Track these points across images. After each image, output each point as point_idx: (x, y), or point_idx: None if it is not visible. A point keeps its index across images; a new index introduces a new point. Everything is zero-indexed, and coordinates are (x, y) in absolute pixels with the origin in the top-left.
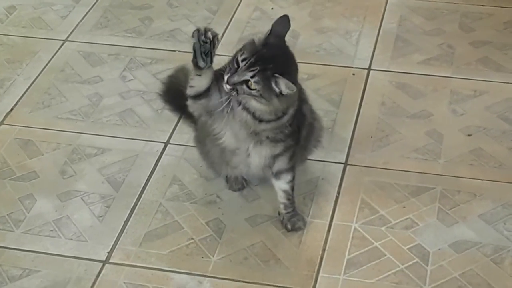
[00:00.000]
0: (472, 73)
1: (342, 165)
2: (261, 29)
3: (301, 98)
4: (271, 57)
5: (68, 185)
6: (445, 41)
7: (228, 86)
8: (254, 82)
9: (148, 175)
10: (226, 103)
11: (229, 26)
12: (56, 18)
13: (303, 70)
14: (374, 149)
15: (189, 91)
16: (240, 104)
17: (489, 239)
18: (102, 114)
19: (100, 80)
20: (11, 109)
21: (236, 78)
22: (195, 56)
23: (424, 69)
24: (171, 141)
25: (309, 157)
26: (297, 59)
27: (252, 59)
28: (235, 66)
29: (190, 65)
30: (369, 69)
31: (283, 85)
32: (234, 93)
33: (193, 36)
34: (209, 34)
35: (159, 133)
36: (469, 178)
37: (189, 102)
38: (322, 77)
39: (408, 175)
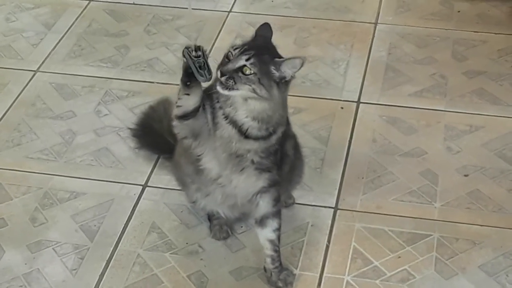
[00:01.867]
0: (466, 106)
1: (332, 210)
2: None
3: (286, 133)
4: (264, 45)
5: (39, 233)
6: (438, 70)
7: (223, 78)
8: (250, 64)
9: (124, 222)
10: (211, 120)
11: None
12: (27, 46)
13: (288, 103)
14: (365, 192)
15: (177, 111)
16: (227, 118)
17: None
18: (76, 154)
19: (73, 115)
20: None
21: (230, 65)
22: (185, 75)
23: (416, 101)
24: (149, 184)
25: (298, 201)
26: None
27: (246, 47)
28: (226, 60)
29: (167, 99)
30: (358, 102)
31: (286, 66)
32: (230, 82)
33: (184, 55)
34: (200, 49)
35: (136, 175)
36: (467, 224)
37: (175, 123)
38: (309, 111)
39: (403, 221)
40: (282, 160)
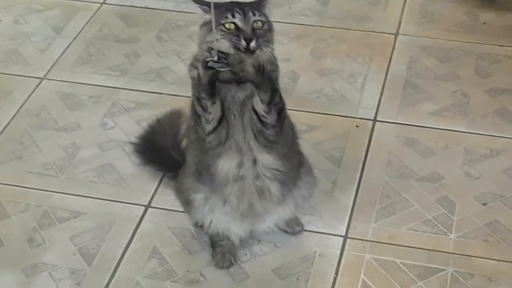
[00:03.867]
0: (488, 128)
1: (342, 238)
2: None
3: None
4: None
5: (36, 256)
6: (459, 87)
7: (253, 44)
8: (259, 15)
9: (125, 246)
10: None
11: None
12: (35, 51)
13: (301, 120)
14: (378, 219)
15: (210, 127)
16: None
17: None
18: (78, 169)
19: (78, 127)
20: None
21: (247, 29)
22: (209, 87)
23: (435, 121)
24: (152, 204)
25: (306, 228)
26: (296, 107)
27: (240, 7)
28: (227, 31)
29: (175, 111)
30: (374, 120)
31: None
32: (260, 43)
33: (194, 68)
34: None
35: (139, 194)
36: (484, 258)
37: (210, 139)
38: (323, 129)
39: (416, 253)
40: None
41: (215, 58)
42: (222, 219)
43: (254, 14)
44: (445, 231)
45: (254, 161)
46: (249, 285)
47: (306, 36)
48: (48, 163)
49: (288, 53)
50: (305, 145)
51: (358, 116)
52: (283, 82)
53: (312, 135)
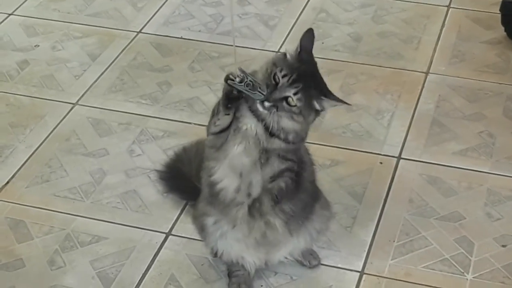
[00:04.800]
0: None
1: (358, 274)
2: None
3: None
4: (311, 75)
5: (55, 278)
6: (486, 128)
7: (267, 104)
8: (297, 99)
9: (143, 272)
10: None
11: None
12: (69, 77)
13: (326, 155)
14: (395, 256)
15: (214, 129)
16: (253, 111)
17: None
18: (103, 195)
19: (106, 153)
20: (7, 182)
21: (277, 94)
22: (226, 99)
23: (459, 161)
24: (173, 232)
25: (323, 262)
26: (321, 141)
27: (294, 76)
28: (273, 82)
29: (201, 141)
30: (399, 157)
31: (328, 105)
32: (273, 110)
33: (227, 83)
34: (241, 71)
35: (161, 222)
36: None
37: (211, 137)
38: (347, 165)
39: None
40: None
41: (237, 79)
42: (235, 246)
43: (296, 93)
44: (462, 271)
45: (249, 195)
46: None
47: (337, 71)
48: (75, 187)
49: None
50: (328, 179)
51: (382, 153)
52: None
53: (335, 170)
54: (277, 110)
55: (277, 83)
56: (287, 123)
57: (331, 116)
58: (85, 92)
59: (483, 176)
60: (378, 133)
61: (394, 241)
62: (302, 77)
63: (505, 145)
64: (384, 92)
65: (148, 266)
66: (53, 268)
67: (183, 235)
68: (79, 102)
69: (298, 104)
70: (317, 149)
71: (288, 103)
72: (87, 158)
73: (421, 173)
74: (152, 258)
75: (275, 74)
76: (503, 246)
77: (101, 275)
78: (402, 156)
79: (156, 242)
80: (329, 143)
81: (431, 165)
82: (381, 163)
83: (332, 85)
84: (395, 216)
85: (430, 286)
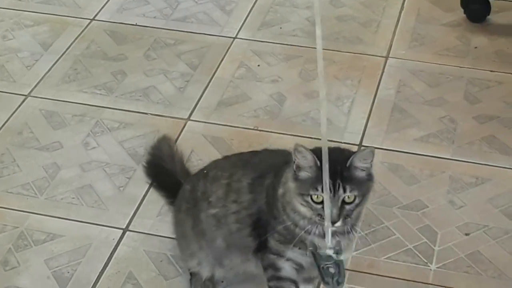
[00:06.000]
0: (474, 155)
1: None
2: (245, 90)
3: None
4: (337, 156)
5: (9, 279)
6: (448, 113)
7: (339, 224)
8: (351, 190)
9: (100, 270)
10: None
11: (208, 86)
12: (21, 67)
13: (286, 144)
14: (357, 248)
15: None
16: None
17: None
18: (58, 190)
19: (60, 146)
20: None
21: (335, 210)
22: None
23: (421, 148)
24: (130, 227)
25: None
26: (281, 130)
27: (334, 178)
28: (313, 204)
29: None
30: (360, 145)
31: (364, 160)
32: (347, 220)
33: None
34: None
35: (118, 217)
36: None
37: None
38: None
39: (394, 283)
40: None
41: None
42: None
43: (345, 190)
44: (426, 261)
45: None
46: None
47: (296, 57)
48: (28, 183)
49: (276, 74)
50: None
51: (343, 141)
52: (270, 105)
53: None
54: (350, 218)
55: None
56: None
57: (291, 103)
58: (37, 83)
59: (445, 163)
60: (338, 120)
61: (356, 232)
62: (333, 173)
63: (466, 130)
64: (344, 77)
65: (105, 264)
66: (6, 269)
67: (140, 231)
68: (31, 94)
69: (356, 193)
70: (277, 139)
71: (347, 203)
72: (41, 152)
73: (383, 161)
74: (109, 256)
75: (310, 197)
76: (467, 234)
77: (57, 275)
78: (363, 144)
79: (113, 239)
80: (289, 132)
81: (393, 153)
82: None
83: (291, 71)
84: None
85: (394, 278)
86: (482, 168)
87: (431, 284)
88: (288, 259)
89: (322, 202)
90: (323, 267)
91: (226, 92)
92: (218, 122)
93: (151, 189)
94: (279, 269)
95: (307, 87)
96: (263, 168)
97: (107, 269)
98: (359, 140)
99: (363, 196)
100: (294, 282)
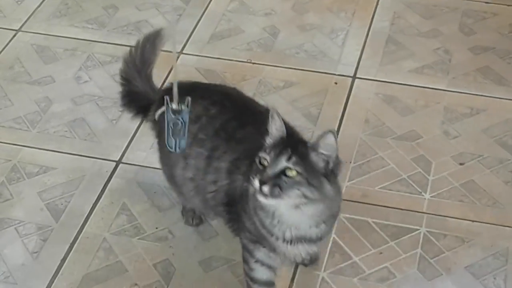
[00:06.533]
0: (469, 86)
1: None
2: (238, 24)
3: None
4: (290, 133)
5: (3, 211)
6: (442, 45)
7: (265, 188)
8: (294, 163)
9: (93, 202)
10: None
11: (201, 19)
12: (11, 2)
13: (280, 76)
14: (352, 177)
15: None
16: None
17: None
18: (50, 124)
19: (52, 81)
20: None
21: (270, 171)
22: None
23: (416, 79)
24: (123, 160)
25: None
26: (275, 63)
27: (280, 145)
28: (261, 167)
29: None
30: (354, 77)
31: (324, 148)
32: (276, 190)
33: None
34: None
35: (111, 150)
36: (458, 219)
37: None
38: (301, 86)
39: (389, 212)
40: None
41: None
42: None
43: (289, 159)
44: (420, 190)
45: None
46: (218, 243)
47: None
48: (20, 117)
49: (269, 7)
50: (282, 101)
51: (337, 73)
52: (263, 38)
53: (289, 92)
54: (281, 190)
55: (264, 165)
56: (308, 210)
57: (284, 36)
58: (28, 18)
59: (439, 94)
60: (332, 52)
61: (351, 163)
62: (285, 140)
63: (461, 61)
64: (338, 10)
65: (98, 196)
66: (0, 201)
67: (134, 163)
68: (22, 29)
69: (299, 170)
70: (271, 71)
71: (288, 176)
72: (32, 87)
73: (377, 92)
74: (103, 188)
75: (260, 158)
76: (461, 164)
77: (50, 207)
78: (357, 76)
79: (106, 171)
80: (282, 64)
81: (387, 84)
82: (336, 83)
83: (284, 5)
84: (352, 137)
85: (388, 207)
86: (476, 98)
87: (426, 213)
88: (256, 261)
89: (265, 168)
90: (171, 122)
91: (219, 25)
92: (211, 55)
93: (144, 122)
94: (251, 269)
95: (300, 20)
96: (243, 151)
97: (100, 200)
98: (353, 72)
99: (308, 183)
100: (267, 284)
